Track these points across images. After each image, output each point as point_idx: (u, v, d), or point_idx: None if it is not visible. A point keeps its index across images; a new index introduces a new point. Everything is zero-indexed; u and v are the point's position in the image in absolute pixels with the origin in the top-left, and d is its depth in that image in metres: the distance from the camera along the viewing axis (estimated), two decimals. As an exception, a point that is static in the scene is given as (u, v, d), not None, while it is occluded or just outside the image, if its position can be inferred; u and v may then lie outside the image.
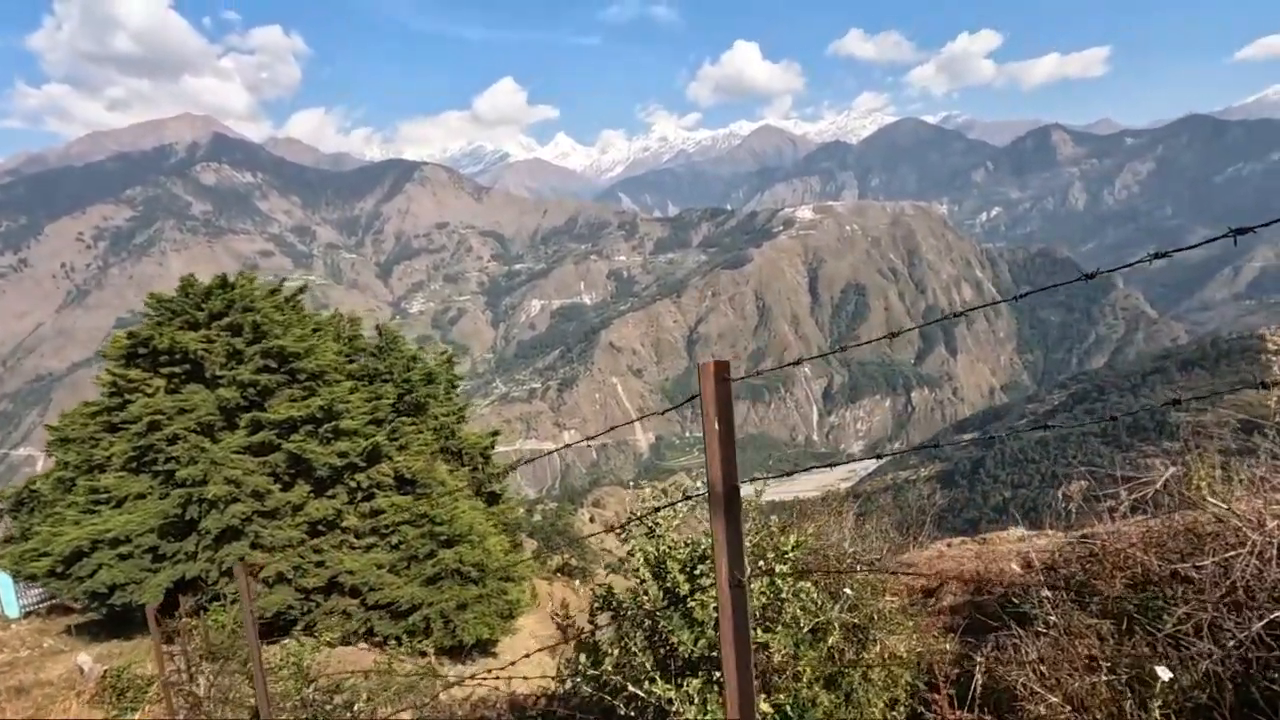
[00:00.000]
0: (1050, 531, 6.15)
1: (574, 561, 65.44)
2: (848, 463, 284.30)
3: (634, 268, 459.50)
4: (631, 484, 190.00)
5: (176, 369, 14.09)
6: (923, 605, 5.66)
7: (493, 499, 19.67)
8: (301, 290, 18.03)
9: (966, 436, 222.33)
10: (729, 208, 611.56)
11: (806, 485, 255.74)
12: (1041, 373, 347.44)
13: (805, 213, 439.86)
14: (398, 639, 13.89)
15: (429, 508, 14.23)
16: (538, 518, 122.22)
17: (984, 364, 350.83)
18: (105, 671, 9.97)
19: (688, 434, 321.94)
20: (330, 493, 14.27)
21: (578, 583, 62.18)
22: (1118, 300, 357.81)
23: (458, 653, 14.36)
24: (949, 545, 6.11)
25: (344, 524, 14.20)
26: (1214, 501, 4.84)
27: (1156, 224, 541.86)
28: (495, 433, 20.00)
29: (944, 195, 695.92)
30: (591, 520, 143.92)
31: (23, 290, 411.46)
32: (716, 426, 2.37)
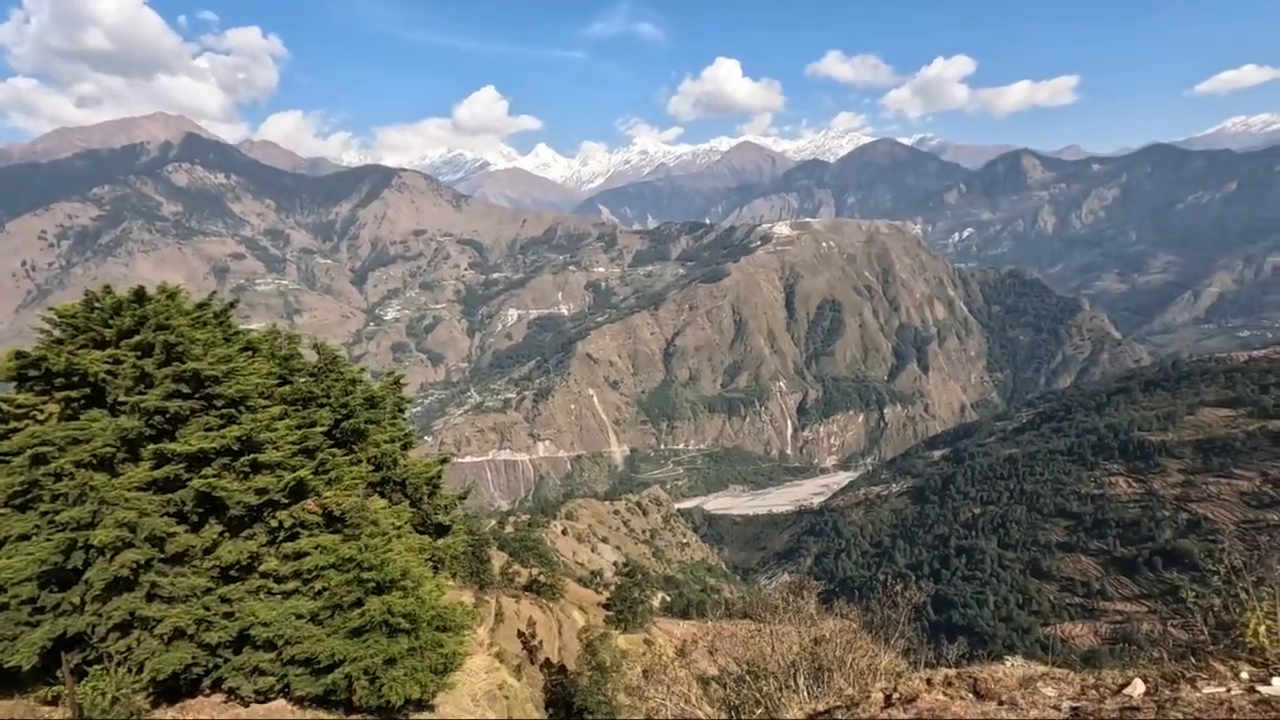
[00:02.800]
0: (1056, 671, 5.10)
1: (543, 578, 63.89)
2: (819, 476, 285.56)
3: (612, 279, 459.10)
4: (605, 497, 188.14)
5: (74, 393, 12.61)
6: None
7: (440, 531, 18.28)
8: (231, 306, 16.57)
9: (937, 453, 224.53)
10: (708, 222, 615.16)
11: (781, 499, 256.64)
12: (1011, 391, 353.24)
13: (783, 229, 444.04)
14: (317, 698, 12.48)
15: (357, 550, 12.87)
16: (509, 530, 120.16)
17: (955, 381, 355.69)
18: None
19: (663, 446, 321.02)
20: (247, 533, 12.85)
21: (547, 600, 60.51)
22: (1084, 322, 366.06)
23: (387, 712, 12.98)
24: (929, 687, 5.02)
25: (262, 568, 12.78)
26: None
27: (1121, 249, 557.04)
28: (444, 460, 18.62)
29: (918, 215, 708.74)
30: (564, 533, 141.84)
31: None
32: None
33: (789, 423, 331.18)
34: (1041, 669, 5.22)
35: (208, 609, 11.78)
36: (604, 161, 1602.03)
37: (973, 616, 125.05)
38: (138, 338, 13.30)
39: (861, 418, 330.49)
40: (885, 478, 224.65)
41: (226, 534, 12.74)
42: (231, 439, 12.64)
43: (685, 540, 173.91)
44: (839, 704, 5.90)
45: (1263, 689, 4.09)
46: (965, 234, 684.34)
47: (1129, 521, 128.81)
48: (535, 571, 66.73)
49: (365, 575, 12.91)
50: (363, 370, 18.03)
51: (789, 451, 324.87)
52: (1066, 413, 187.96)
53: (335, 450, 15.02)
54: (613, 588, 67.74)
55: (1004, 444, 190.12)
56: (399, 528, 15.10)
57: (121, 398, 12.64)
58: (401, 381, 19.37)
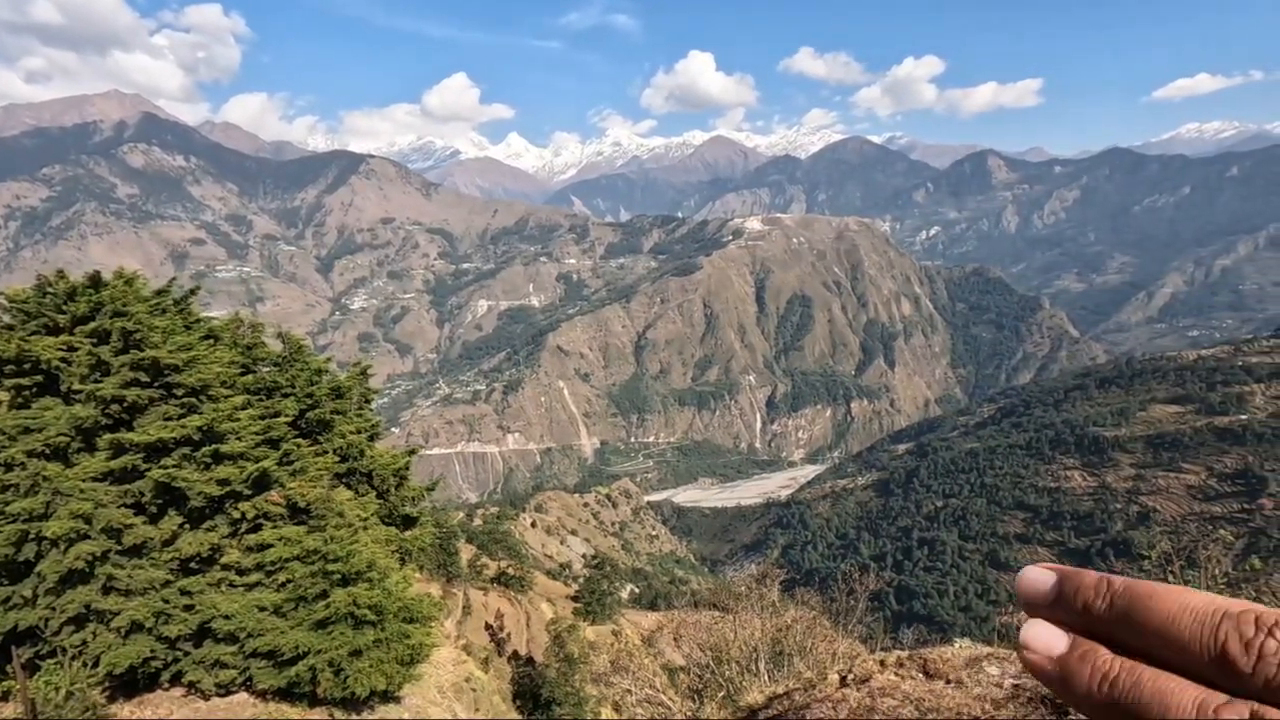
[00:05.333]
0: (1000, 651, 5.36)
1: (511, 570, 63.71)
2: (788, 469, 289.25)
3: (584, 271, 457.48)
4: (575, 489, 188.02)
5: (25, 381, 12.24)
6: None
7: (408, 523, 18.18)
8: (193, 293, 16.21)
9: (902, 447, 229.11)
10: (680, 215, 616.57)
11: (749, 492, 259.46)
12: (973, 386, 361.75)
13: (754, 224, 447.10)
14: (281, 690, 12.38)
15: (322, 542, 12.76)
16: (478, 522, 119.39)
17: (920, 377, 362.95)
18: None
19: (633, 439, 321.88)
20: (208, 525, 12.64)
21: (515, 592, 60.41)
22: (1044, 320, 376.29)
23: (352, 704, 12.93)
24: (882, 668, 5.25)
25: (223, 560, 12.60)
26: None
27: (1080, 249, 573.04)
28: (411, 451, 18.51)
29: (886, 213, 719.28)
30: (533, 525, 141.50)
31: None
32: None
33: (758, 416, 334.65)
34: (987, 650, 5.49)
35: (167, 602, 11.59)
36: (576, 152, 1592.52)
37: (933, 606, 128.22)
38: (93, 324, 12.96)
39: (829, 412, 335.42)
40: (851, 471, 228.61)
41: (187, 525, 12.53)
42: (192, 429, 12.42)
43: (654, 533, 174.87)
44: (797, 686, 6.11)
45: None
46: (932, 232, 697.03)
47: (1083, 514, 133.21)
48: (504, 564, 66.46)
49: (330, 567, 12.82)
50: (328, 360, 17.80)
51: (758, 445, 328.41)
52: (1026, 408, 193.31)
53: (300, 441, 14.85)
54: (582, 580, 67.90)
55: (966, 438, 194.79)
56: (365, 519, 15.01)
57: (76, 386, 12.32)
58: (368, 372, 19.17)
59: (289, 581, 12.85)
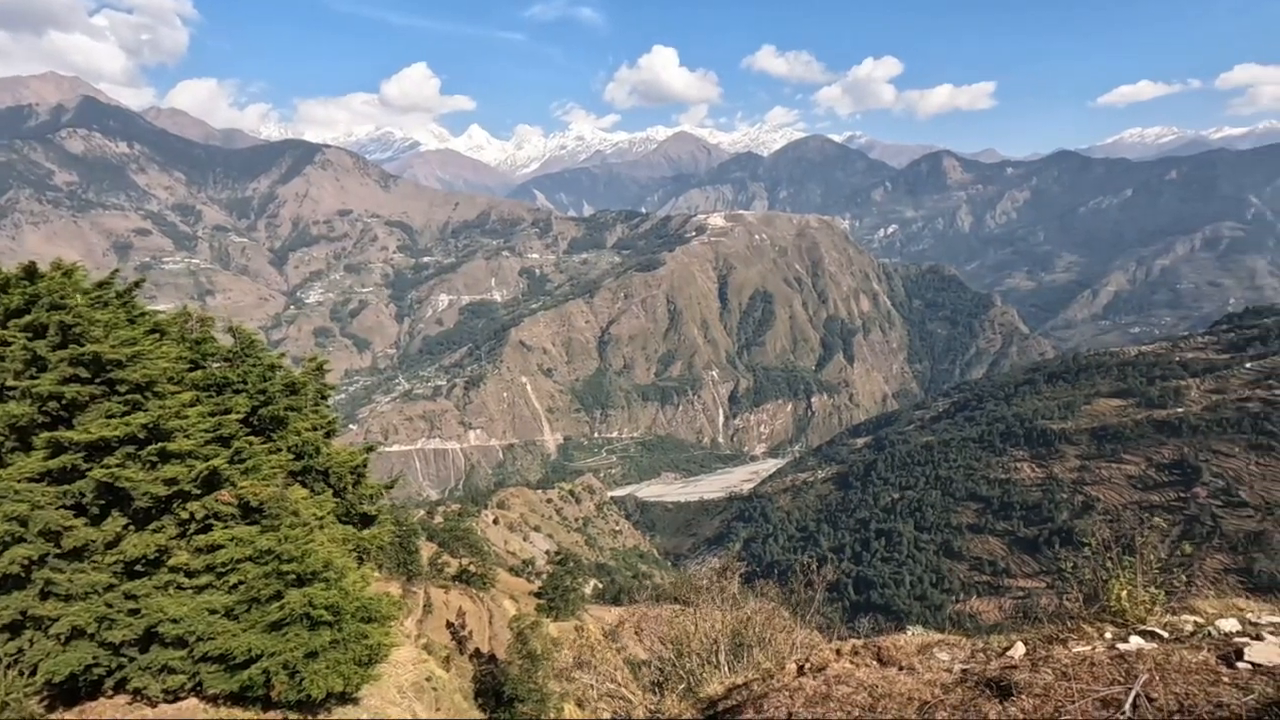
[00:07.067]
0: (952, 638, 5.54)
1: (473, 568, 63.09)
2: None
3: (547, 266, 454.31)
4: (538, 485, 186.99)
5: (-45, 377, 11.62)
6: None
7: (366, 521, 17.83)
8: (137, 285, 15.60)
9: (860, 440, 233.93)
10: (644, 211, 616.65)
11: (712, 486, 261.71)
12: (929, 381, 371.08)
13: (717, 220, 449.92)
14: (233, 695, 12.04)
15: (276, 542, 12.44)
16: (439, 520, 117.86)
17: (878, 372, 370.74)
18: None
19: (596, 435, 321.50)
20: (155, 526, 12.20)
21: (477, 590, 59.84)
22: (996, 317, 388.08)
23: (308, 706, 12.65)
24: (838, 656, 5.38)
25: (171, 562, 12.17)
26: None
27: (1030, 248, 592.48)
28: (370, 448, 18.16)
29: (846, 211, 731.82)
30: (496, 522, 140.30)
31: None
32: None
33: (721, 411, 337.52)
34: (938, 637, 5.67)
35: (110, 606, 11.17)
36: (540, 146, 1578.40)
37: (890, 595, 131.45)
38: (29, 318, 12.38)
39: (790, 406, 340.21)
40: (812, 464, 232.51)
41: (131, 527, 12.07)
42: (137, 426, 11.96)
43: (618, 528, 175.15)
44: (756, 676, 6.22)
45: (1121, 646, 4.60)
46: (890, 230, 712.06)
47: (1031, 504, 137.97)
48: (465, 561, 65.83)
49: (285, 567, 12.50)
50: (282, 355, 17.31)
51: (720, 439, 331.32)
52: (978, 402, 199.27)
53: (252, 438, 14.43)
54: (545, 576, 67.67)
55: (922, 432, 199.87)
56: (321, 518, 14.67)
57: (10, 382, 11.76)
58: (325, 367, 18.72)
59: (241, 583, 12.49)
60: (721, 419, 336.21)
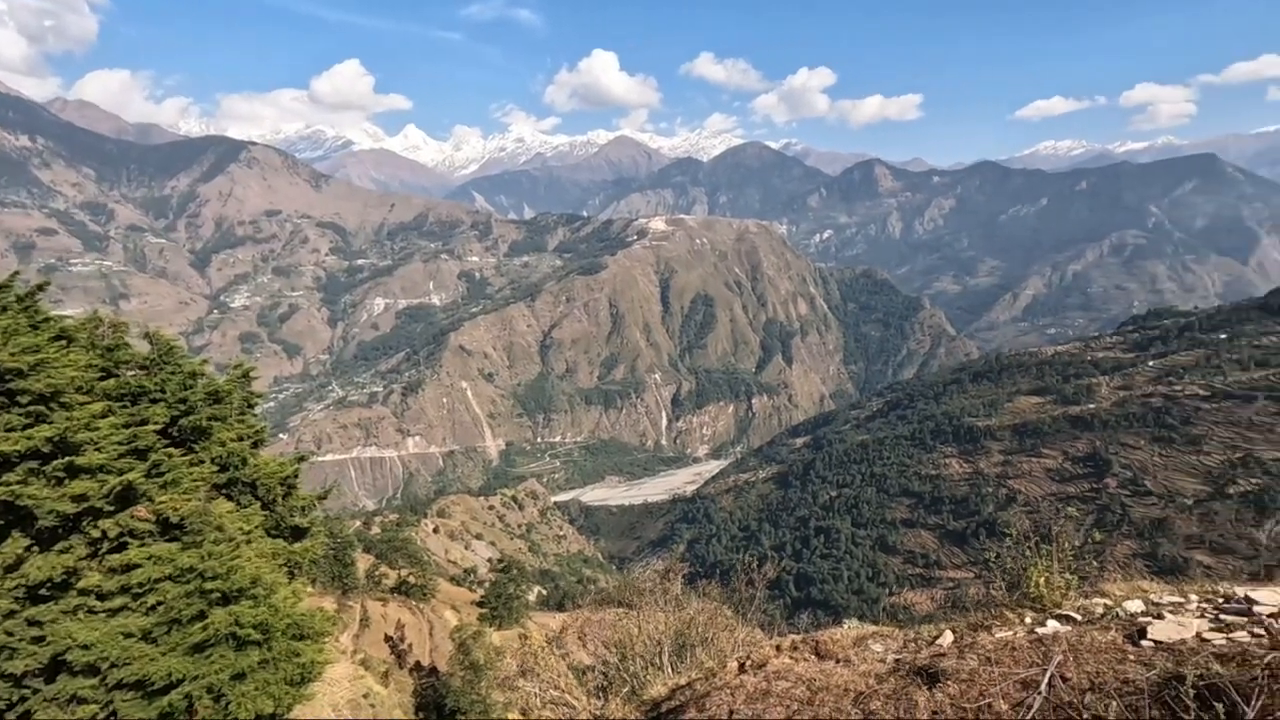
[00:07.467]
0: (886, 629, 5.74)
1: (413, 578, 61.40)
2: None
3: (487, 269, 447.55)
4: (480, 492, 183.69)
5: None
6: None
7: (297, 534, 17.13)
8: (41, 289, 14.55)
9: (800, 440, 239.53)
10: (585, 214, 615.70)
11: (656, 488, 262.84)
12: (864, 381, 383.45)
13: (659, 224, 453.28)
14: (151, 723, 11.33)
15: (199, 559, 11.81)
16: (376, 530, 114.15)
17: (815, 373, 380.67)
18: None
19: (539, 440, 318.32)
20: (61, 546, 11.39)
21: (417, 601, 58.23)
22: (925, 319, 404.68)
23: (235, 730, 12.04)
24: (778, 652, 5.50)
25: (80, 585, 11.39)
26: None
27: (956, 254, 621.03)
28: (301, 458, 17.45)
29: (784, 216, 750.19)
30: (436, 531, 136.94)
31: None
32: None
33: (664, 414, 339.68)
34: (872, 628, 5.87)
35: (11, 634, 10.38)
36: (479, 147, 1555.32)
37: (829, 590, 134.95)
38: (-86, 324, 11.38)
39: (732, 408, 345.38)
40: (753, 465, 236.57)
41: (35, 548, 11.24)
42: (40, 440, 11.17)
43: (562, 533, 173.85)
44: (699, 676, 6.29)
45: (1040, 630, 4.88)
46: (825, 235, 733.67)
47: (960, 498, 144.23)
48: (404, 572, 64.04)
49: (208, 585, 11.88)
50: (205, 362, 16.48)
51: (664, 442, 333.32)
52: (910, 401, 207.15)
53: (172, 450, 13.66)
54: (487, 584, 66.47)
55: (857, 431, 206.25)
56: (249, 533, 14.02)
57: (-108, 395, 10.79)
58: (251, 374, 17.89)
59: (160, 604, 11.80)
60: (665, 421, 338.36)
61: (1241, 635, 4.04)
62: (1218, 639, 4.08)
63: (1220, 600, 4.79)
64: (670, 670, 7.53)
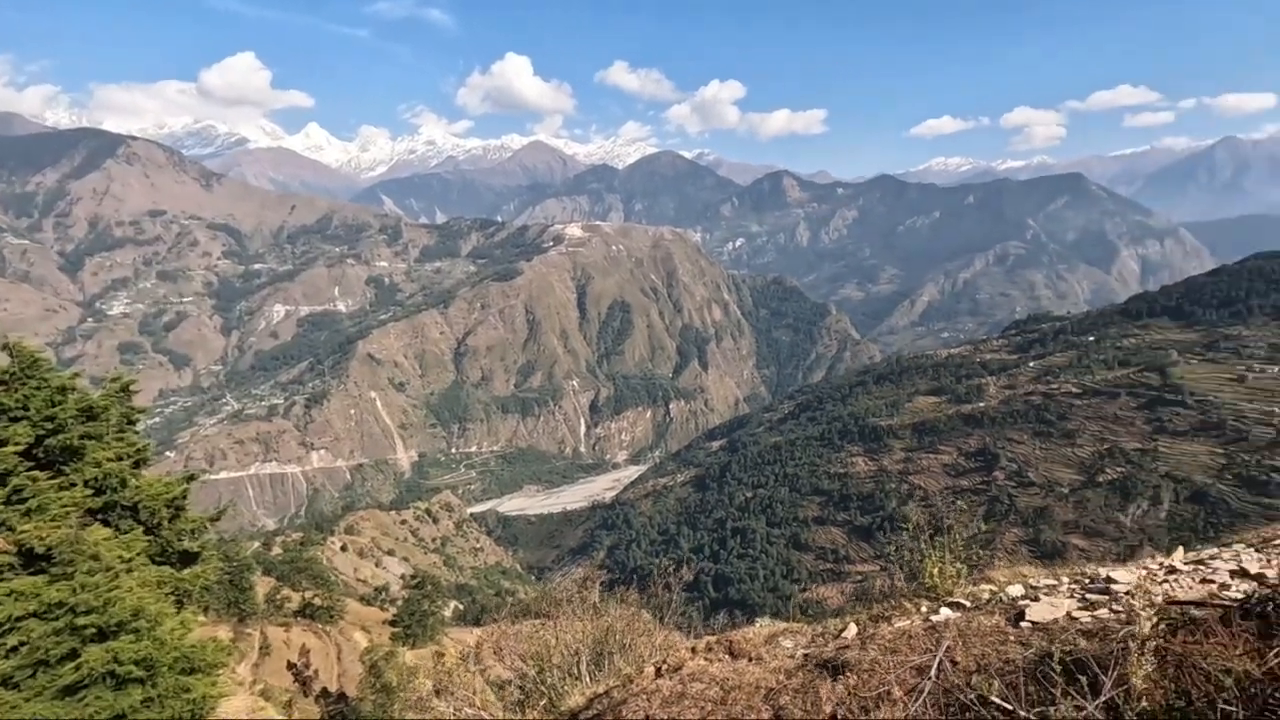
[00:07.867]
0: (796, 625, 5.96)
1: (318, 600, 58.18)
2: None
3: (397, 275, 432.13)
4: (391, 506, 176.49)
5: None
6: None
7: (186, 560, 15.90)
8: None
9: (716, 444, 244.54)
10: (500, 219, 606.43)
11: (575, 496, 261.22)
12: (776, 385, 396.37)
13: (575, 230, 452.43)
14: (13, 778, 10.20)
15: (70, 592, 10.75)
16: (277, 551, 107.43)
17: (730, 378, 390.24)
18: None
19: (454, 450, 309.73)
20: (-100, 586, 10.10)
21: (323, 624, 55.25)
22: (832, 324, 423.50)
23: (114, 778, 11.01)
24: (693, 654, 5.61)
25: (-76, 628, 10.12)
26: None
27: (859, 262, 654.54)
28: (190, 477, 16.26)
29: (698, 224, 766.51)
30: (344, 549, 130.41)
31: None
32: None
33: (582, 421, 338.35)
34: (783, 625, 6.09)
35: None
36: (387, 149, 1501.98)
37: (746, 590, 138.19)
38: None
39: (649, 413, 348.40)
40: (671, 469, 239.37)
41: None
42: (-127, 467, 9.88)
43: (478, 545, 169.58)
44: (617, 683, 6.31)
45: (934, 617, 5.21)
46: (738, 243, 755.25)
47: (866, 495, 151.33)
48: (308, 594, 60.57)
49: (81, 621, 10.83)
50: (76, 375, 15.07)
51: (582, 449, 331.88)
52: (819, 403, 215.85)
53: (37, 473, 12.42)
54: (400, 603, 63.98)
55: (770, 433, 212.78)
56: (129, 560, 12.92)
57: None
58: (132, 387, 16.50)
59: (24, 644, 10.65)
60: (583, 428, 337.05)
61: (1103, 612, 4.48)
62: (1084, 617, 4.50)
63: (1087, 581, 5.28)
64: (588, 679, 7.52)
